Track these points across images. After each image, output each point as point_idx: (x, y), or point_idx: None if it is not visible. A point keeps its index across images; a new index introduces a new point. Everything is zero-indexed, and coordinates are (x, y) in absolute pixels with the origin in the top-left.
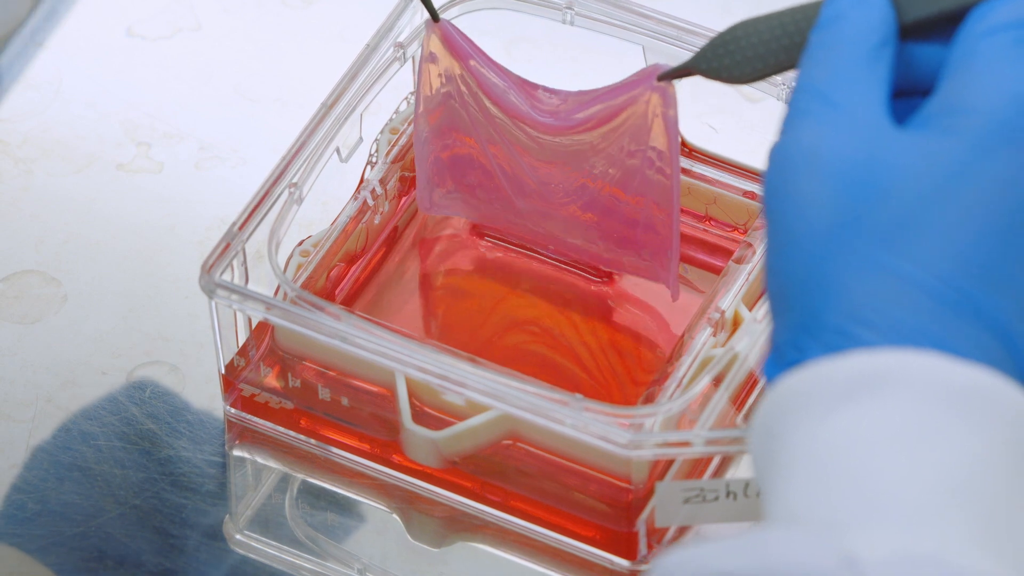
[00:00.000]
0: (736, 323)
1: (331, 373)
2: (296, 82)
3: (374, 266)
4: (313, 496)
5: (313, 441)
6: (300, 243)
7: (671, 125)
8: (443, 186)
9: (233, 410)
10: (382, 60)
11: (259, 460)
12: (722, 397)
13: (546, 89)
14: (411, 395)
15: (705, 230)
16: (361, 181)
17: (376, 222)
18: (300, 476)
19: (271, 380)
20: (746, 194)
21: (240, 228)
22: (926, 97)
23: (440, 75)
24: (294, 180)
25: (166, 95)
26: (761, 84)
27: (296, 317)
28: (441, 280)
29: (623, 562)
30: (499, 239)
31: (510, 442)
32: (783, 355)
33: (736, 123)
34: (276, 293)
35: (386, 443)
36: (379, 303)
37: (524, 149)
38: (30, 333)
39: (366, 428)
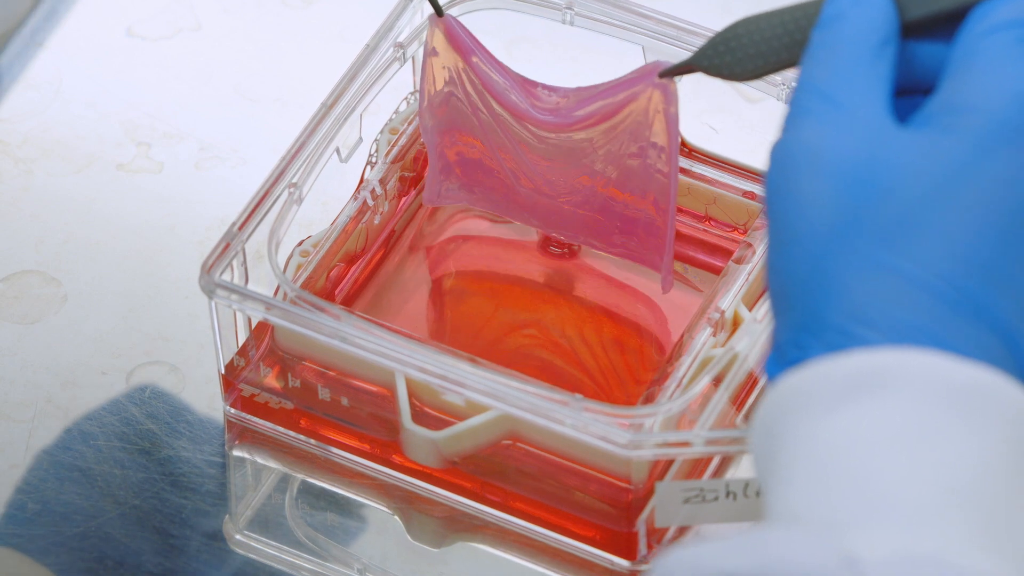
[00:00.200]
0: (736, 323)
1: (331, 373)
2: (296, 82)
3: (374, 266)
4: (313, 496)
5: (313, 441)
6: (300, 243)
7: (672, 122)
8: (448, 181)
9: (233, 410)
10: (382, 60)
11: (259, 460)
12: (722, 397)
13: (545, 86)
14: (411, 395)
15: (705, 230)
16: (361, 181)
17: (376, 222)
18: (300, 476)
19: (271, 380)
20: (746, 194)
21: (240, 228)
22: (927, 96)
23: (444, 69)
24: (294, 180)
25: (166, 95)
26: (761, 84)
27: (296, 317)
28: (442, 281)
29: (623, 562)
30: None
31: (510, 442)
32: (784, 354)
33: (736, 123)
34: (276, 293)
35: (386, 443)
36: (379, 303)
37: (526, 146)
38: (30, 333)
39: (366, 428)
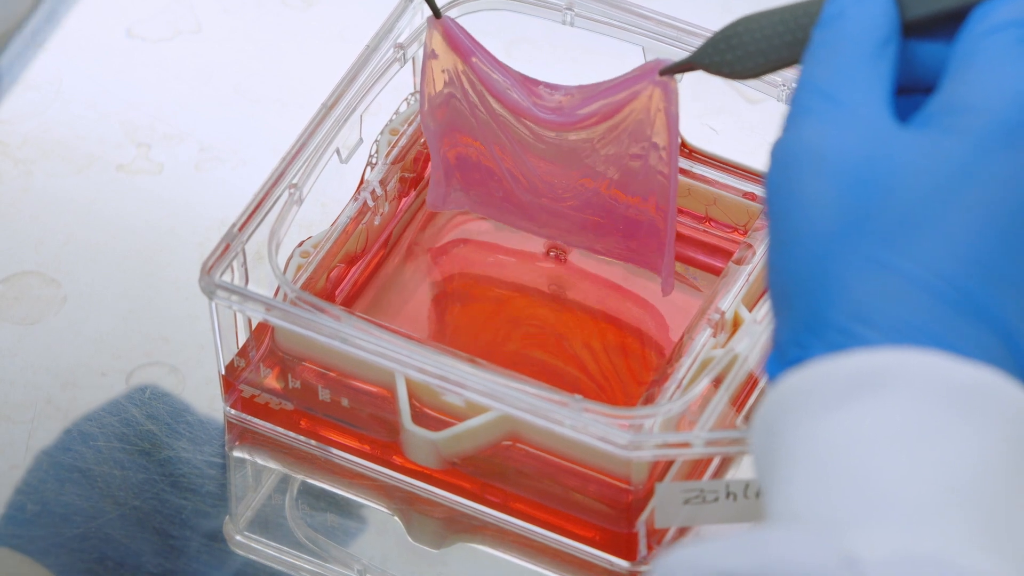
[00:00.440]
0: (736, 324)
1: (331, 374)
2: (296, 83)
3: (374, 267)
4: (313, 497)
5: (313, 442)
6: (300, 244)
7: (673, 120)
8: (450, 184)
9: (233, 411)
10: (382, 61)
11: (259, 461)
12: (722, 398)
13: (547, 85)
14: (411, 396)
15: (705, 231)
16: (361, 182)
17: (376, 223)
18: (300, 477)
19: (271, 381)
20: (746, 195)
21: (240, 229)
22: (928, 95)
23: (443, 71)
24: (294, 181)
25: (166, 96)
26: (761, 85)
27: (296, 318)
28: (443, 283)
29: (623, 563)
30: (500, 229)
31: (510, 443)
32: (785, 353)
33: (736, 124)
34: (276, 294)
35: (386, 444)
36: (379, 304)
37: (528, 147)
38: (30, 334)
39: (366, 429)
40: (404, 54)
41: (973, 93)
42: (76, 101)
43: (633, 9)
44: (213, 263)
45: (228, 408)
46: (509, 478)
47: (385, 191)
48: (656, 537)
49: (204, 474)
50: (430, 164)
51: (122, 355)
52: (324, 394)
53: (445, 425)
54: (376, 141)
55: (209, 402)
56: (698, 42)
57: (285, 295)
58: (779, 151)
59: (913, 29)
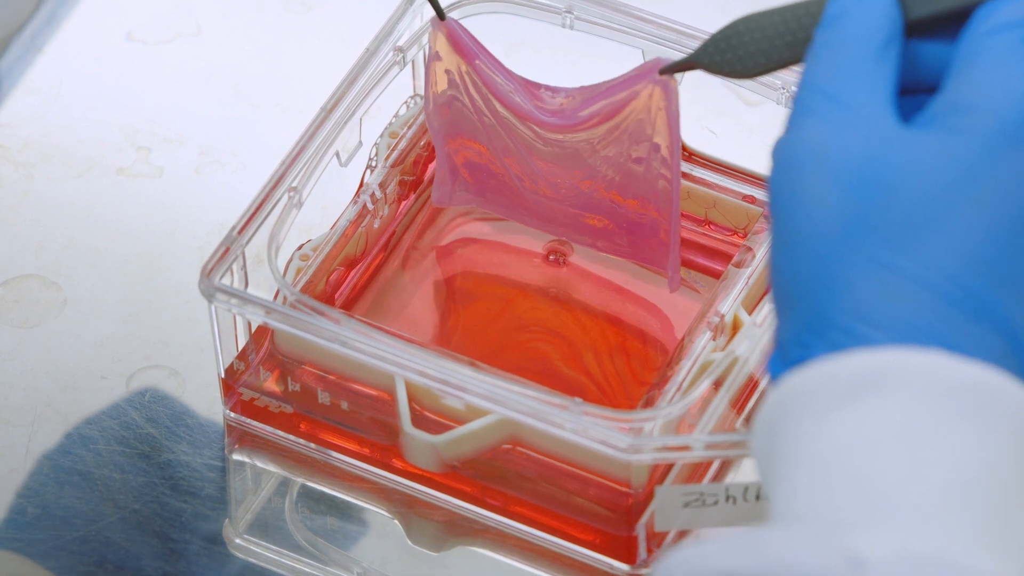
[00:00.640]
0: (736, 327)
1: (331, 377)
2: (296, 86)
3: (373, 270)
4: (313, 500)
5: (313, 445)
6: (300, 247)
7: (673, 119)
8: (455, 180)
9: (233, 414)
10: (382, 64)
11: (259, 464)
12: (722, 401)
13: (548, 88)
14: (411, 399)
15: (705, 234)
16: (360, 185)
17: (376, 226)
18: (300, 480)
19: (271, 384)
20: (746, 198)
21: (240, 232)
22: (931, 95)
23: (447, 72)
24: (294, 184)
25: (166, 100)
26: (760, 88)
27: (296, 321)
28: (444, 285)
29: (623, 566)
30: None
31: (510, 446)
32: (787, 353)
33: (735, 127)
34: (276, 297)
35: (386, 447)
36: (379, 307)
37: (531, 148)
38: (30, 338)
39: (366, 432)
40: (404, 57)
41: (977, 93)
42: (76, 105)
43: (632, 12)
44: (213, 266)
45: (228, 411)
46: (509, 481)
47: (385, 194)
48: (656, 540)
49: (204, 477)
50: (435, 160)
51: (122, 358)
52: (324, 397)
53: (445, 428)
54: (376, 144)
55: (209, 405)
56: (697, 45)
57: (285, 298)
58: (781, 151)
59: (915, 29)
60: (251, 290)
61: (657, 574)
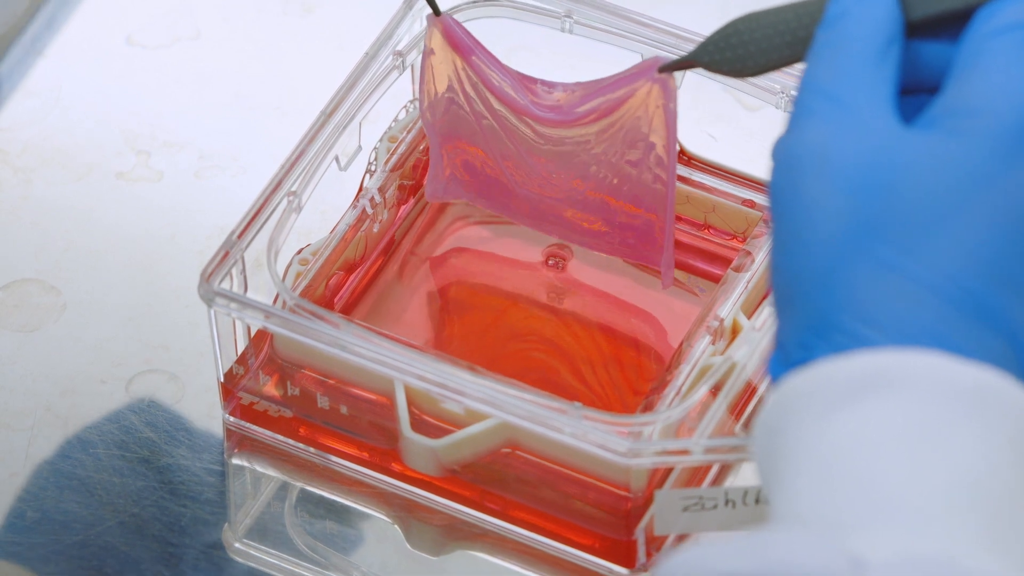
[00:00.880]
0: (735, 331)
1: (330, 381)
2: (295, 90)
3: (373, 274)
4: (312, 504)
5: (312, 449)
6: (299, 251)
7: (671, 117)
8: (448, 178)
9: (232, 418)
10: (381, 68)
11: (258, 468)
12: (721, 405)
13: (544, 83)
14: (410, 403)
15: (704, 238)
16: (360, 189)
17: (375, 230)
18: (299, 484)
19: (270, 388)
20: (745, 202)
21: (239, 236)
22: (932, 95)
23: (443, 66)
24: (293, 188)
25: (166, 103)
26: (759, 92)
27: (295, 325)
28: (441, 294)
29: (622, 570)
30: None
31: (509, 450)
32: (788, 354)
33: (735, 131)
34: (275, 301)
35: (385, 451)
36: (378, 311)
37: (528, 144)
38: (29, 342)
39: (365, 436)
40: (403, 61)
41: (979, 96)
42: (76, 108)
43: (631, 16)
44: (212, 270)
45: (227, 415)
46: (508, 485)
47: (384, 198)
48: (655, 544)
49: (203, 481)
50: (429, 154)
51: (121, 362)
52: (323, 401)
53: (444, 432)
54: (375, 148)
55: (208, 409)
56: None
57: (284, 302)
58: (782, 152)
59: (917, 29)
60: (250, 294)
61: (658, 575)
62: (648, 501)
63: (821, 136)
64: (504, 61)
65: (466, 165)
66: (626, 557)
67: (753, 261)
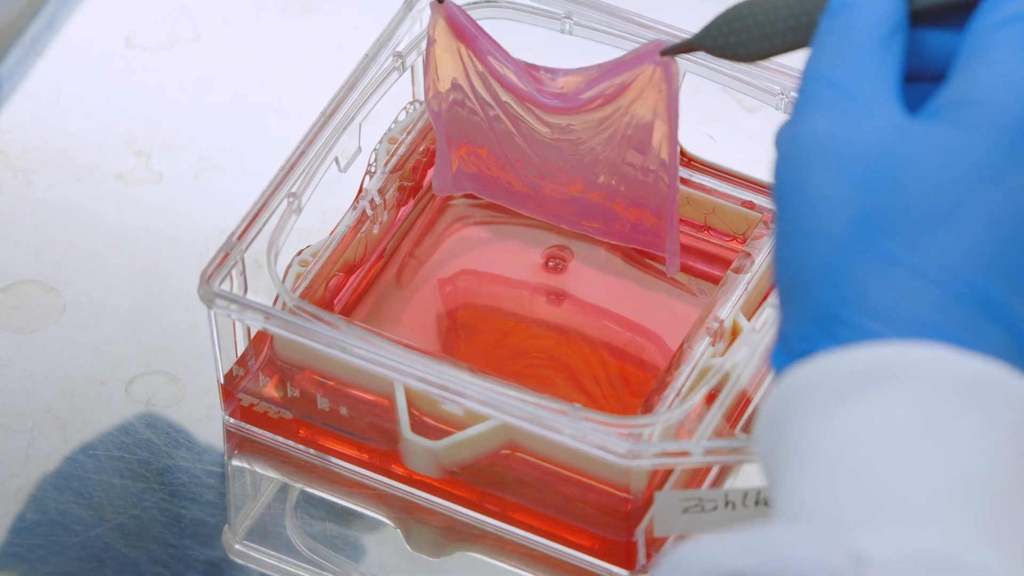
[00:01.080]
0: (735, 333)
1: (330, 383)
2: (295, 92)
3: (373, 276)
4: (312, 506)
5: (312, 451)
6: (299, 253)
7: (674, 100)
8: (456, 171)
9: (232, 420)
10: (381, 70)
11: (258, 470)
12: (721, 406)
13: (547, 69)
14: (410, 405)
15: (704, 239)
16: (360, 191)
17: (375, 232)
18: (299, 486)
19: (270, 390)
20: (745, 203)
21: (239, 238)
22: (937, 84)
23: (448, 52)
24: (293, 190)
25: (166, 105)
26: (759, 93)
27: (295, 327)
28: (450, 313)
29: (622, 572)
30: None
31: (509, 452)
32: (791, 347)
33: (734, 132)
34: (275, 303)
35: (385, 453)
36: (378, 313)
37: (532, 132)
38: (29, 343)
39: (365, 438)
40: (403, 63)
41: (983, 87)
42: (75, 110)
43: (631, 17)
44: (212, 272)
45: (227, 417)
46: (508, 487)
47: (384, 200)
48: (655, 546)
49: (203, 483)
50: (434, 165)
51: (121, 364)
52: (323, 403)
53: (444, 434)
54: (375, 150)
55: (208, 411)
56: None
57: (284, 304)
58: (785, 141)
59: (921, 18)
60: (250, 296)
61: (659, 572)
62: (648, 503)
63: (825, 125)
64: None
65: (473, 157)
66: (626, 559)
67: (753, 262)
